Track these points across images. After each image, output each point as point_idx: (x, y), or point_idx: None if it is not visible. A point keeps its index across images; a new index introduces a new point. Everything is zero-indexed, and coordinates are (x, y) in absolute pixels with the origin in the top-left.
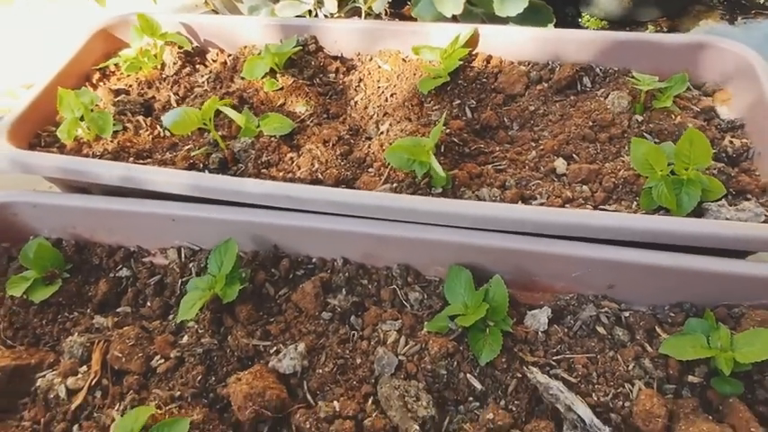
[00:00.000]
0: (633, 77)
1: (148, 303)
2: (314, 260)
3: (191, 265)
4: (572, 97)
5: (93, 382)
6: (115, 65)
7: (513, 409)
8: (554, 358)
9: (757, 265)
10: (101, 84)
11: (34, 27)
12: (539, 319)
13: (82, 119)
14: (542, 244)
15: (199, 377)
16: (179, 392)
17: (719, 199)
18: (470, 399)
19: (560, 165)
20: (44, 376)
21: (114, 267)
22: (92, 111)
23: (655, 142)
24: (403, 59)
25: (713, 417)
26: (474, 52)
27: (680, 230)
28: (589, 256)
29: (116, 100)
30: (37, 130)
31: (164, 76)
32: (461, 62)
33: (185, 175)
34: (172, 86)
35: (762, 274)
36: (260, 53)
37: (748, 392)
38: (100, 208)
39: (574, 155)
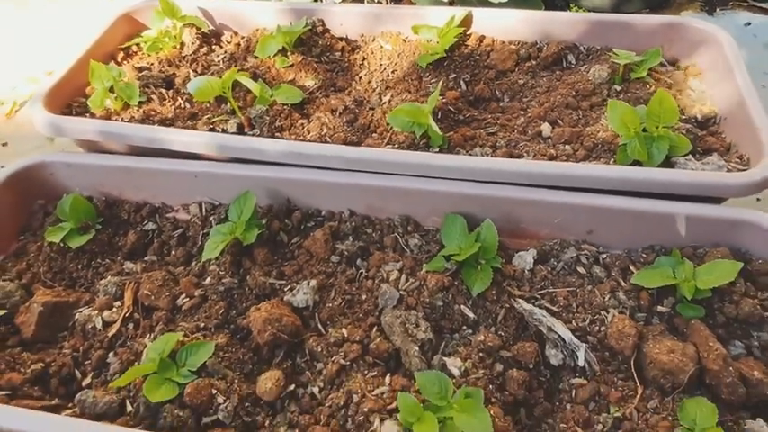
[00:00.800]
0: (613, 53)
1: (173, 252)
2: (323, 213)
3: (211, 218)
4: (557, 72)
5: (126, 316)
6: (137, 45)
7: (502, 333)
8: (538, 292)
9: (718, 208)
10: (125, 62)
11: (48, 21)
12: (525, 259)
13: (110, 90)
14: (528, 192)
15: (221, 311)
16: (203, 324)
17: (687, 154)
18: (464, 327)
19: (546, 128)
20: (81, 311)
21: (141, 222)
22: (119, 83)
23: None
24: (403, 40)
25: (678, 338)
26: (468, 32)
27: (649, 178)
28: (570, 202)
29: (140, 75)
30: (68, 101)
31: (183, 55)
32: (457, 39)
33: (208, 135)
34: (190, 64)
35: (722, 216)
36: (272, 34)
37: (709, 318)
38: (129, 166)
39: (558, 120)
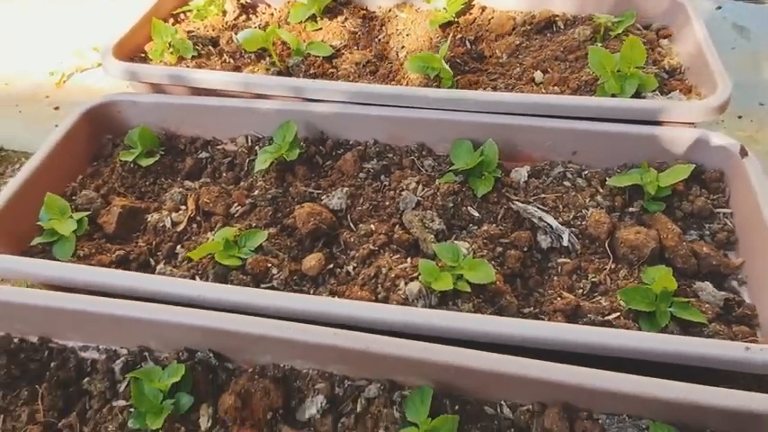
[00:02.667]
0: (596, 17)
1: (224, 175)
2: (351, 142)
3: (256, 147)
4: (548, 35)
5: (191, 217)
6: (186, 13)
7: (502, 227)
8: (532, 197)
9: (678, 130)
10: (176, 26)
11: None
12: (521, 173)
13: (168, 46)
14: (523, 119)
15: (269, 213)
16: (254, 224)
17: (654, 90)
18: (470, 224)
19: (538, 75)
20: (152, 215)
21: (195, 151)
22: (176, 38)
23: None
24: (416, 10)
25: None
26: (472, 3)
27: (622, 106)
28: (558, 126)
29: (190, 35)
30: (130, 55)
31: (225, 21)
32: (462, 7)
33: (257, 77)
34: (232, 29)
35: (682, 135)
36: (303, 2)
37: (669, 213)
38: (186, 104)
39: (548, 69)
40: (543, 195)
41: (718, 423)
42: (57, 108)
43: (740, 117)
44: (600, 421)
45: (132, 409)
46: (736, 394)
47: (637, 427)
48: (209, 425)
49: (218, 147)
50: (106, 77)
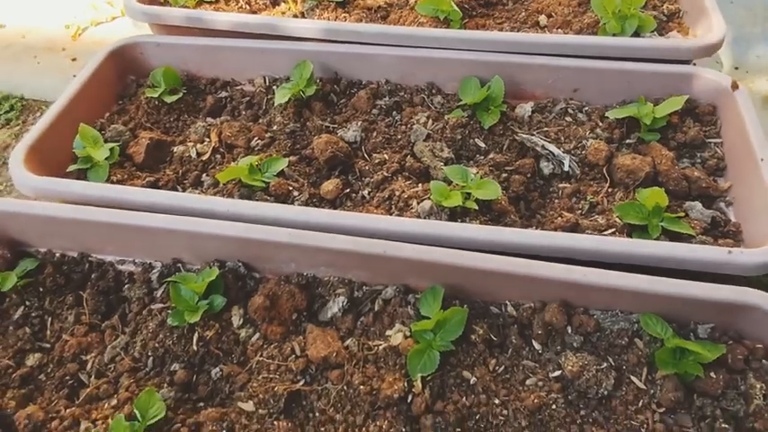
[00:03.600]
0: None
1: (243, 113)
2: (364, 81)
3: (273, 87)
4: None
5: (215, 148)
6: None
7: (507, 156)
8: (535, 130)
9: (673, 66)
10: None
11: None
12: (525, 109)
13: None
14: (527, 58)
15: (288, 145)
16: (274, 155)
17: (653, 31)
18: (477, 155)
19: (542, 19)
20: (177, 147)
21: (215, 92)
22: None
23: None
24: None
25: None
26: None
27: (620, 44)
28: (560, 64)
29: None
30: (149, 2)
31: None
32: None
33: (273, 19)
34: None
35: (676, 71)
36: None
37: (663, 143)
38: (207, 45)
39: (552, 14)
40: (546, 129)
41: (702, 315)
42: (74, 59)
43: (737, 68)
44: (595, 316)
45: (170, 310)
46: (719, 287)
47: (628, 320)
48: (240, 323)
49: (237, 87)
50: (121, 31)
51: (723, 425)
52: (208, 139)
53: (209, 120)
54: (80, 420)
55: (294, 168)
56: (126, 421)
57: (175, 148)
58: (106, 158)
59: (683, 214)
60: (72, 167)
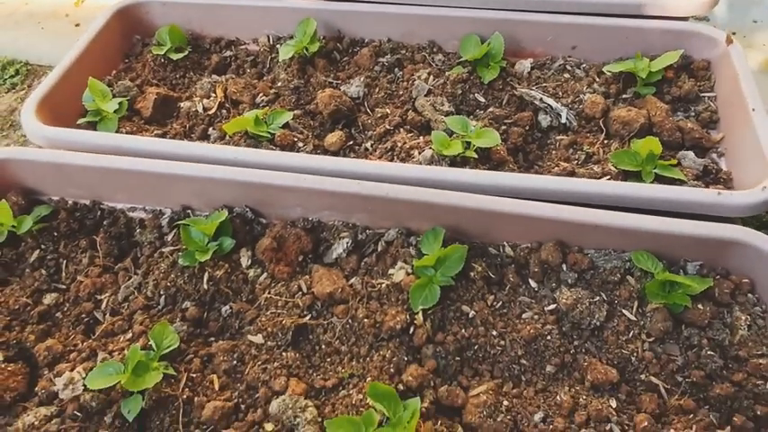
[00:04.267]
0: None
1: (248, 71)
2: (366, 40)
3: (277, 46)
4: None
5: (221, 103)
6: None
7: (506, 110)
8: (534, 85)
9: (669, 23)
10: None
11: None
12: (524, 65)
13: None
14: (527, 15)
15: (292, 100)
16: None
17: None
18: (477, 109)
19: None
20: (184, 103)
21: (220, 51)
22: None
23: None
24: None
25: None
26: None
27: (618, 2)
28: (559, 21)
29: None
30: None
31: None
32: None
33: None
34: None
35: (673, 28)
36: None
37: (659, 96)
38: (210, 3)
39: None
40: (545, 84)
41: (691, 253)
42: (77, 25)
43: (734, 33)
44: (589, 255)
45: (181, 252)
46: (708, 225)
47: (620, 259)
48: (248, 263)
49: (241, 47)
50: None
51: (709, 352)
52: (213, 95)
53: (215, 77)
54: (97, 351)
55: (299, 121)
56: (142, 350)
57: (182, 104)
58: (115, 111)
59: (675, 162)
60: (81, 120)
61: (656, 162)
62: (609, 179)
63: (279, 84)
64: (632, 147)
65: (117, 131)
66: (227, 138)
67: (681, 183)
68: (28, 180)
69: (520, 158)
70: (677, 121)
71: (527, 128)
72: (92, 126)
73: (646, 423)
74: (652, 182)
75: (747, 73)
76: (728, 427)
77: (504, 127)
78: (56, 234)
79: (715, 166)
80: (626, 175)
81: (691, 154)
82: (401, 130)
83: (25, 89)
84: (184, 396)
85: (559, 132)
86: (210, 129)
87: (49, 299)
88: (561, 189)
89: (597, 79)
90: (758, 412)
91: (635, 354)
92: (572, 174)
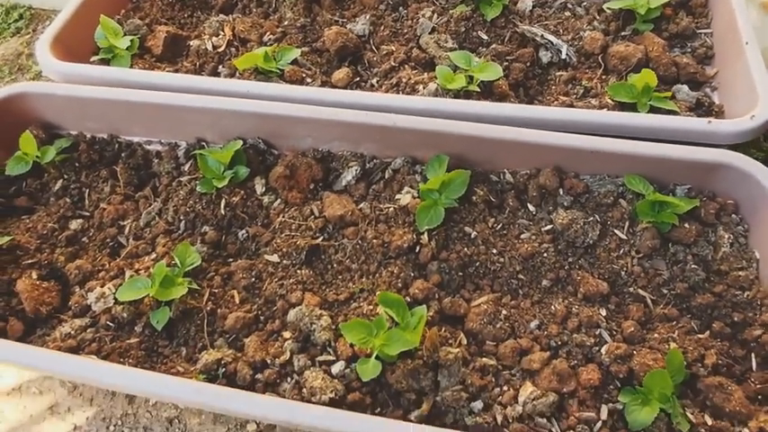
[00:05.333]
0: None
1: (254, 10)
2: None
3: None
4: None
5: (229, 40)
6: None
7: (508, 47)
8: (535, 23)
9: None
10: None
11: None
12: (526, 3)
13: None
14: None
15: (299, 38)
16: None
17: None
18: (480, 47)
19: None
20: (193, 42)
21: None
22: None
23: None
24: None
25: None
26: None
27: None
28: None
29: None
30: None
31: None
32: None
33: None
34: None
35: None
36: None
37: (656, 33)
38: None
39: None
40: (546, 22)
41: (680, 177)
42: None
43: None
44: (584, 180)
45: (198, 180)
46: (697, 149)
47: (614, 183)
48: (263, 190)
49: None
50: None
51: (693, 266)
52: (222, 33)
53: (222, 16)
54: (124, 270)
55: (306, 58)
56: (166, 267)
57: (191, 42)
58: (127, 49)
59: (670, 95)
60: (95, 58)
61: (651, 94)
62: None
63: (285, 22)
64: (629, 80)
65: (130, 68)
66: (238, 74)
67: (674, 114)
68: (47, 114)
69: (521, 93)
70: (673, 57)
71: (528, 64)
72: (105, 63)
73: (632, 329)
74: (647, 114)
75: (743, 9)
76: (707, 332)
77: (505, 63)
78: (77, 165)
79: (708, 100)
80: (622, 107)
81: (685, 88)
82: (406, 66)
83: (30, 33)
84: (208, 308)
85: (559, 68)
86: (220, 66)
87: (74, 224)
88: (559, 119)
89: (597, 17)
90: (735, 319)
91: (624, 269)
92: (570, 107)
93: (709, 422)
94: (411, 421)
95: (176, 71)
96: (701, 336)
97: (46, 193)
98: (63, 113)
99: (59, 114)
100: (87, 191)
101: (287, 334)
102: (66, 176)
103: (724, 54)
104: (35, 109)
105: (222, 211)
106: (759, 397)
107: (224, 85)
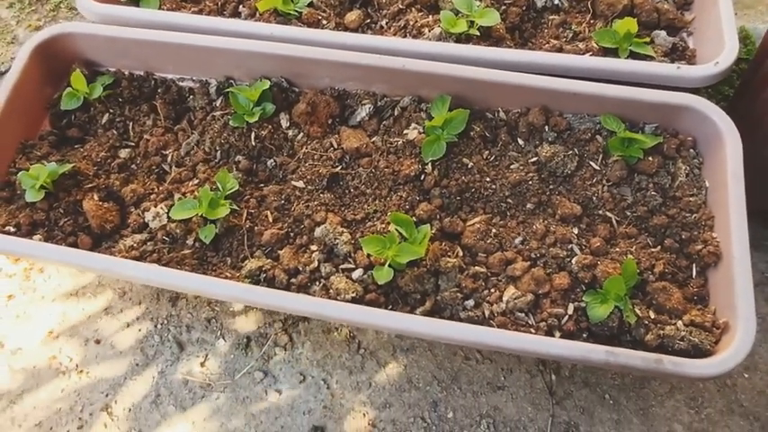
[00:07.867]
0: None
1: None
2: None
3: None
4: None
5: None
6: None
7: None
8: None
9: None
10: None
11: None
12: None
13: None
14: None
15: None
16: None
17: None
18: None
19: None
20: None
21: None
22: None
23: None
24: None
25: None
26: None
27: None
28: None
29: None
30: None
31: None
32: None
33: None
34: None
35: None
36: None
37: None
38: None
39: None
40: None
41: (649, 116)
42: None
43: None
44: (567, 118)
45: (230, 116)
46: (663, 92)
47: (592, 122)
48: (287, 125)
49: None
50: None
51: (652, 193)
52: None
53: None
54: (173, 193)
55: (321, 0)
56: (210, 191)
57: None
58: None
59: (648, 40)
60: None
61: (631, 40)
62: (591, 55)
63: None
64: (613, 26)
65: (159, 8)
66: (258, 15)
67: (651, 58)
68: (88, 53)
69: (516, 36)
70: (656, 3)
71: (524, 8)
72: (134, 4)
73: (598, 244)
74: (627, 57)
75: None
76: (659, 247)
77: (503, 7)
78: (120, 100)
79: (683, 44)
80: (606, 52)
81: (663, 33)
82: (413, 9)
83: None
84: (247, 226)
85: (552, 12)
86: (241, 6)
87: (124, 153)
88: (548, 63)
89: None
90: (683, 236)
91: (596, 195)
92: (560, 50)
93: (652, 316)
94: (416, 315)
95: (200, 11)
96: (653, 249)
97: (94, 125)
98: (103, 52)
99: (100, 53)
100: (131, 124)
101: (314, 247)
102: (111, 111)
103: (702, 0)
104: (79, 47)
105: (253, 143)
106: (695, 298)
107: (250, 27)
